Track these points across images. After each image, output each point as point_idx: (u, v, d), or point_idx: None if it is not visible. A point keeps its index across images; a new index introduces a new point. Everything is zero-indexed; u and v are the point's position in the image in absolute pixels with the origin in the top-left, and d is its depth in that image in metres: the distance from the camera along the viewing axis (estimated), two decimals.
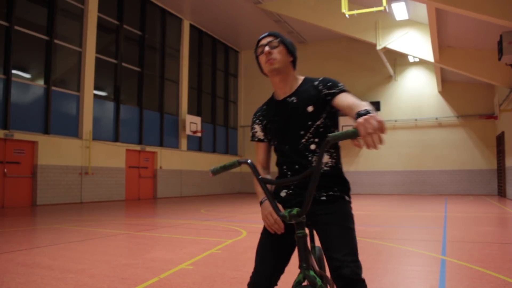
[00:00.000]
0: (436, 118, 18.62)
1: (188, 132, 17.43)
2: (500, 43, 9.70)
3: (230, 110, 21.91)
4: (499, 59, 9.95)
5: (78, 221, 7.75)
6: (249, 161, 1.63)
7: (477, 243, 5.15)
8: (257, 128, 1.95)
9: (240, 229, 6.47)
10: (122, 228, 6.98)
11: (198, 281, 3.25)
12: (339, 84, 1.78)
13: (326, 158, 1.77)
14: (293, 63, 1.89)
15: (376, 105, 19.00)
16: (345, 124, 15.60)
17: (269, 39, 1.85)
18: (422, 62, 18.50)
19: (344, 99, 1.69)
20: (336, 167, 1.79)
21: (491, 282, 3.18)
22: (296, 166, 1.77)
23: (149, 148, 15.67)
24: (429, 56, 14.02)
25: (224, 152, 20.90)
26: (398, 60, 19.08)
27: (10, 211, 9.93)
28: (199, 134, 18.15)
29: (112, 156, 13.94)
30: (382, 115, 17.72)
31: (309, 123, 1.76)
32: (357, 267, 1.55)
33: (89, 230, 6.36)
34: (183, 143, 17.61)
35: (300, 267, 1.50)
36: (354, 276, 1.51)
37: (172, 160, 16.86)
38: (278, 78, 1.84)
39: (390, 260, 4.15)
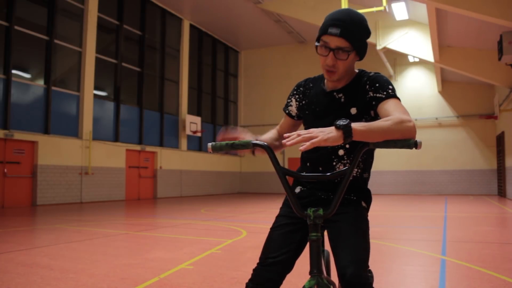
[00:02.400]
0: (436, 118, 18.62)
1: (188, 132, 17.43)
2: (500, 43, 9.71)
3: (230, 110, 21.91)
4: (499, 59, 9.96)
5: (78, 221, 7.75)
6: (265, 144, 1.41)
7: (477, 243, 5.15)
8: (294, 103, 1.79)
9: (240, 229, 6.46)
10: (122, 228, 6.98)
11: (198, 281, 3.25)
12: (389, 87, 1.53)
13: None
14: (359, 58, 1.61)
15: None
16: None
17: (339, 42, 1.48)
18: (422, 62, 18.50)
19: (387, 108, 1.47)
20: (360, 177, 1.66)
21: (491, 282, 3.17)
22: (320, 168, 1.64)
23: (149, 148, 15.67)
24: (429, 56, 14.02)
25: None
26: (398, 60, 19.09)
27: (10, 211, 9.92)
28: (199, 134, 18.15)
29: (112, 156, 13.94)
30: None
31: None
32: (363, 269, 1.40)
33: (89, 230, 6.35)
34: (183, 143, 17.61)
35: (310, 273, 1.34)
36: (357, 278, 1.35)
37: (172, 160, 16.86)
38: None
39: (390, 260, 4.15)
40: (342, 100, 1.61)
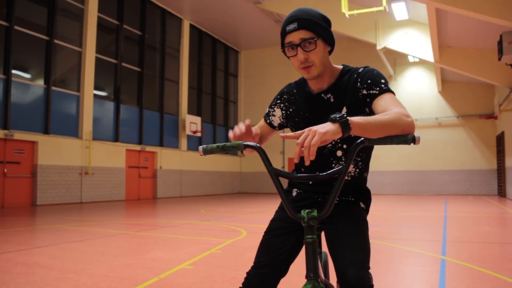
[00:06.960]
0: (436, 118, 18.62)
1: (188, 132, 17.43)
2: (500, 43, 9.71)
3: (230, 110, 21.91)
4: (499, 59, 9.96)
5: (78, 221, 7.75)
6: (257, 145, 1.38)
7: (477, 243, 5.15)
8: (277, 112, 1.70)
9: (240, 229, 6.46)
10: (122, 228, 6.98)
11: (198, 281, 3.25)
12: (381, 81, 1.47)
13: (349, 167, 1.52)
14: (330, 51, 1.55)
15: None
16: None
17: (301, 34, 1.45)
18: (422, 62, 18.50)
19: (382, 104, 1.40)
20: (360, 177, 1.61)
21: (491, 282, 3.18)
22: (317, 172, 1.56)
23: (149, 148, 15.67)
24: (429, 56, 14.03)
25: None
26: (398, 60, 19.08)
27: (10, 211, 9.93)
28: (199, 134, 18.15)
29: (112, 156, 13.94)
30: None
31: None
32: (365, 269, 1.35)
33: (89, 230, 6.36)
34: (183, 143, 17.62)
35: (307, 276, 1.28)
36: (359, 279, 1.30)
37: (172, 160, 16.86)
38: (315, 79, 1.56)
39: (390, 260, 4.15)
40: (332, 100, 1.55)
